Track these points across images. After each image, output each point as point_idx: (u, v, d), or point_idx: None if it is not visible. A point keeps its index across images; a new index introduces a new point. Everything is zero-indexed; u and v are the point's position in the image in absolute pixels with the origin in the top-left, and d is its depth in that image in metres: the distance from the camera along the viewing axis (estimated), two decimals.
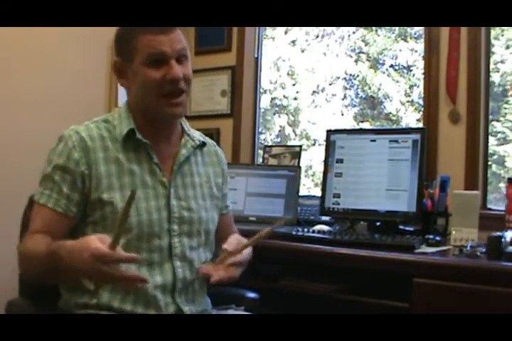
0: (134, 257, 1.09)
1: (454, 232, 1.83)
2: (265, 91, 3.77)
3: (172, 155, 1.40)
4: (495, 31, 2.43)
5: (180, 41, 1.33)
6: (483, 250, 1.60)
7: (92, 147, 1.31)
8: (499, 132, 2.91)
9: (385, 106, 4.40)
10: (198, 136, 1.49)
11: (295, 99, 4.51)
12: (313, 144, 4.45)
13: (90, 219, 1.31)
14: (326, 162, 2.15)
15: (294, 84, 4.45)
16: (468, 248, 1.64)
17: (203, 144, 1.48)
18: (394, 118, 4.24)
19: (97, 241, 1.07)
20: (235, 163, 2.64)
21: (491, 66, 2.30)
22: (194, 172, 1.44)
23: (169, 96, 1.31)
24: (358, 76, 4.35)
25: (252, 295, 1.63)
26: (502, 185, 2.60)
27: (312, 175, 4.23)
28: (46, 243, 1.21)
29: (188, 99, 1.39)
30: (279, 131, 4.54)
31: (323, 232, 1.94)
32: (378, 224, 2.02)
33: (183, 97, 1.34)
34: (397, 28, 4.11)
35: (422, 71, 2.38)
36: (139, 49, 1.30)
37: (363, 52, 4.31)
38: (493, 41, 2.34)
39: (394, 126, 4.25)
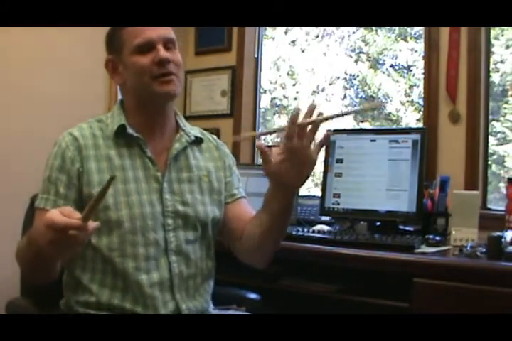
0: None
1: (454, 232, 1.83)
2: (265, 92, 3.76)
3: (167, 149, 1.40)
4: (495, 31, 2.42)
5: (167, 30, 1.36)
6: (483, 250, 1.60)
7: (83, 145, 1.33)
8: (499, 132, 2.91)
9: (385, 106, 4.39)
10: (196, 132, 1.48)
11: (295, 99, 4.51)
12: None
13: None
14: (326, 162, 2.15)
15: (294, 84, 4.45)
16: (468, 248, 1.64)
17: (201, 140, 1.47)
18: (394, 118, 4.24)
19: (55, 214, 0.99)
20: (235, 163, 2.63)
21: (491, 66, 2.30)
22: (192, 166, 1.42)
23: (160, 77, 1.32)
24: (358, 76, 4.34)
25: (253, 296, 1.63)
26: (502, 185, 2.60)
27: (312, 175, 4.23)
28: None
29: (182, 83, 1.40)
30: None
31: (323, 232, 1.95)
32: (378, 224, 2.02)
33: (174, 78, 1.34)
34: (397, 28, 4.10)
35: (422, 71, 2.38)
36: (126, 40, 1.34)
37: (363, 52, 4.30)
38: (493, 41, 2.34)
39: (394, 126, 4.25)
